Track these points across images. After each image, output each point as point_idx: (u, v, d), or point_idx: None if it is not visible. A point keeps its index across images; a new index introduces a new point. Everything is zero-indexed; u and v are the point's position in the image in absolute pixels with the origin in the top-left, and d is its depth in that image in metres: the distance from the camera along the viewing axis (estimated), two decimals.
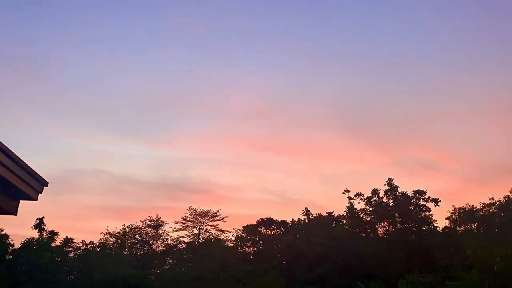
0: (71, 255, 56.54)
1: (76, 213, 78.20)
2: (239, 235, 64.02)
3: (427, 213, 56.54)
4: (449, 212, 56.53)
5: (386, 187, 56.97)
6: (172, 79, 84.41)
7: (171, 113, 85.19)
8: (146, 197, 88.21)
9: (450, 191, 77.71)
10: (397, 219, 57.26)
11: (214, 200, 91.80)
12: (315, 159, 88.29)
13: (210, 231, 63.35)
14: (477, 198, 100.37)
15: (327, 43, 77.11)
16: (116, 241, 60.25)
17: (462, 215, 55.49)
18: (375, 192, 57.35)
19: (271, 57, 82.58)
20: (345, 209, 58.79)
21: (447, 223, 57.16)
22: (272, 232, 64.68)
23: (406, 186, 58.27)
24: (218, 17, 76.87)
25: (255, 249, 63.29)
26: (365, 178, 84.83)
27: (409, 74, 79.86)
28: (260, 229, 64.56)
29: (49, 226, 54.45)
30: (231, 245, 61.89)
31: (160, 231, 61.97)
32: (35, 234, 53.37)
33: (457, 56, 76.31)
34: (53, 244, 52.30)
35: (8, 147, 6.15)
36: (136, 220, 73.60)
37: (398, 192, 56.70)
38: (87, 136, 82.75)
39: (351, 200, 58.18)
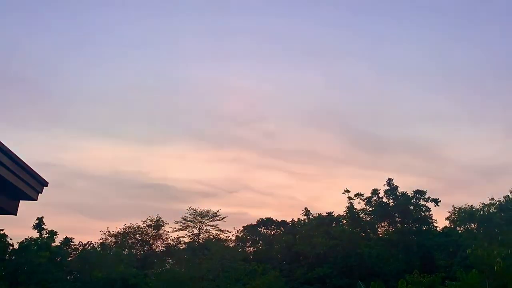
0: (71, 255, 56.47)
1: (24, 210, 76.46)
2: (239, 235, 64.06)
3: (427, 213, 56.49)
4: (449, 212, 56.61)
5: (386, 187, 56.91)
6: (134, 75, 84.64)
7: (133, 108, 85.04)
8: (98, 192, 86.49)
9: (435, 192, 78.41)
10: (397, 219, 57.16)
11: (170, 196, 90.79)
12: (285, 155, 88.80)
13: (210, 231, 63.45)
14: (463, 200, 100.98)
15: (314, 40, 77.33)
16: (116, 241, 60.24)
17: (462, 215, 55.51)
18: (375, 192, 57.20)
19: (254, 52, 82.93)
20: (345, 209, 58.72)
21: (447, 223, 57.21)
22: (272, 232, 64.70)
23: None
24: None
25: (255, 249, 63.26)
26: (352, 180, 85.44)
27: (404, 79, 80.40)
28: (260, 229, 64.61)
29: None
30: (231, 245, 61.87)
31: (160, 231, 62.08)
32: (34, 234, 53.28)
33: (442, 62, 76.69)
34: (52, 244, 52.20)
35: (8, 147, 6.12)
36: (92, 215, 71.48)
37: (398, 192, 56.58)
38: (39, 128, 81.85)
39: (351, 200, 58.04)
